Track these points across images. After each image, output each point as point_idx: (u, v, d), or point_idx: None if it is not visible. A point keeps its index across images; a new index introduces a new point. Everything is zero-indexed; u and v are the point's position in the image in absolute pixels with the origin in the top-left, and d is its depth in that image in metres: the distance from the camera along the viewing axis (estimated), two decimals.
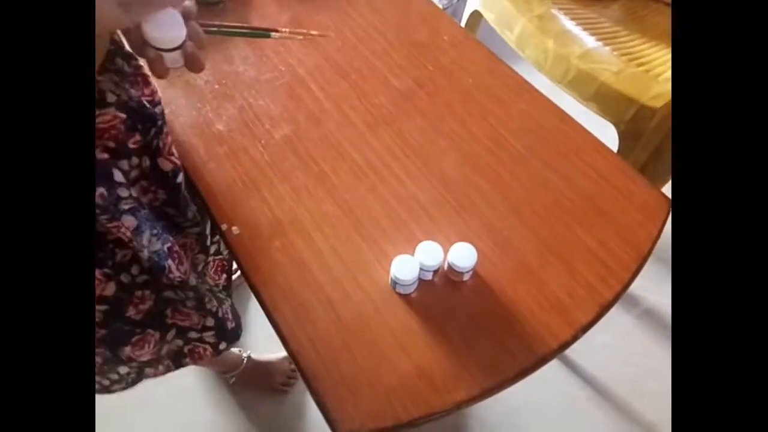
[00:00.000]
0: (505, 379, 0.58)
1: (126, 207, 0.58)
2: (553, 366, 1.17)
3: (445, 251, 0.64)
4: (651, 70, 0.97)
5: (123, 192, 0.58)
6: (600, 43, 1.01)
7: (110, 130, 0.54)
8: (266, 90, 0.84)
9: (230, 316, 0.83)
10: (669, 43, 1.04)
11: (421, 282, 0.64)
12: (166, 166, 0.64)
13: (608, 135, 0.91)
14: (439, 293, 0.64)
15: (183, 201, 0.70)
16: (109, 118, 0.54)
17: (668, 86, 0.94)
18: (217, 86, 0.85)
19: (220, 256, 0.90)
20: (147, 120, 0.60)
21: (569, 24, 1.05)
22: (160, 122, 0.63)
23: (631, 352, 1.17)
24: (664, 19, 1.13)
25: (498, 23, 1.14)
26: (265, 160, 0.76)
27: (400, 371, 0.58)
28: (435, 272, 0.64)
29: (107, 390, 0.82)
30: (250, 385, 1.16)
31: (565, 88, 1.04)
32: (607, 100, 0.97)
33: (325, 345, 0.60)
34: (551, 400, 1.12)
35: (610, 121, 1.00)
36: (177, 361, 0.83)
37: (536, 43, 1.05)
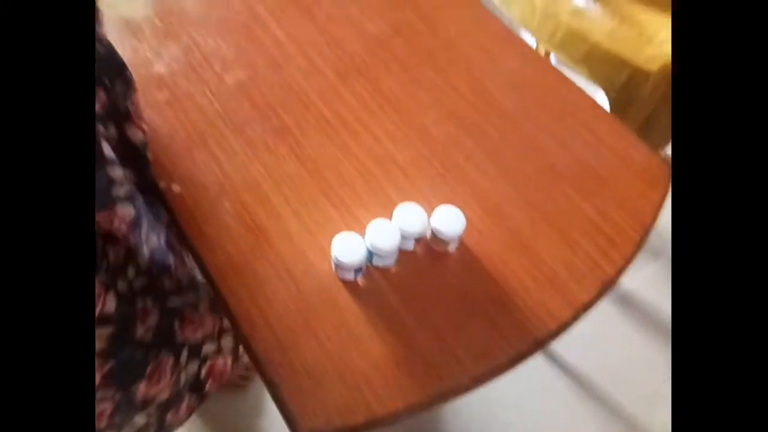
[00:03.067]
0: (497, 365, 0.49)
1: (122, 193, 0.44)
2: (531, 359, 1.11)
3: (428, 216, 0.54)
4: (644, 33, 0.90)
5: (116, 171, 0.43)
6: (591, 2, 0.93)
7: None
8: (217, 29, 0.71)
9: None
10: (662, 9, 0.97)
11: (400, 253, 0.55)
12: (137, 136, 0.50)
13: None
14: (421, 266, 0.55)
15: (152, 179, 0.55)
16: None
17: (663, 48, 0.87)
18: (158, 23, 0.71)
19: None
20: (113, 70, 0.46)
21: None
22: (128, 73, 0.48)
23: (610, 340, 1.13)
24: None
25: None
26: (215, 108, 0.64)
27: (374, 357, 0.49)
28: (417, 241, 0.54)
29: None
30: None
31: (552, 50, 0.96)
32: (598, 63, 0.89)
33: (284, 326, 0.49)
34: (529, 390, 1.06)
35: (601, 87, 0.92)
36: (198, 389, 0.62)
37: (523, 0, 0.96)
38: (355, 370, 0.48)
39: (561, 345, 1.11)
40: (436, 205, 0.56)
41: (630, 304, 1.18)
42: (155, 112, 0.63)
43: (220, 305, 0.50)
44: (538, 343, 0.51)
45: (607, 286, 0.55)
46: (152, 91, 0.65)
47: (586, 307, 0.54)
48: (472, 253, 0.56)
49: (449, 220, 0.53)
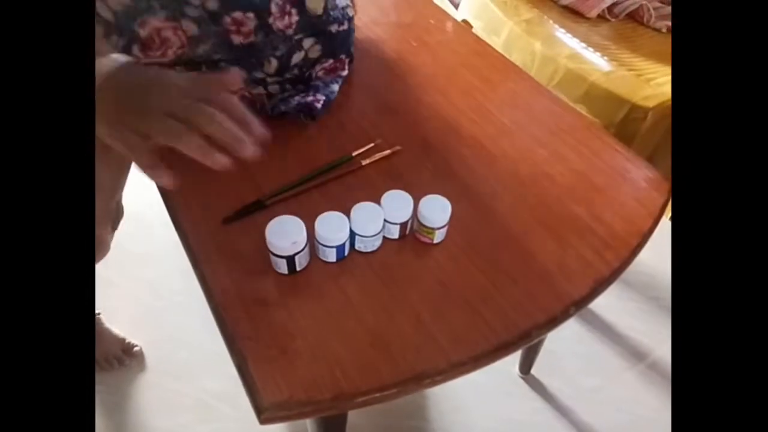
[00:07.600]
0: (479, 353, 0.46)
1: (193, 14, 0.54)
2: (542, 411, 1.03)
3: (415, 206, 0.54)
4: (642, 75, 0.93)
5: None
6: (589, 49, 0.98)
7: None
8: None
9: None
10: (659, 59, 1.01)
11: (384, 240, 0.54)
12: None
13: None
14: (405, 254, 0.54)
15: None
16: None
17: (661, 89, 0.89)
18: None
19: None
20: None
21: (558, 30, 1.02)
22: None
23: (625, 399, 1.04)
24: (652, 42, 1.11)
25: (485, 30, 1.11)
26: None
27: (349, 335, 0.46)
28: (402, 228, 0.53)
29: None
30: None
31: (552, 90, 0.99)
32: (597, 101, 0.92)
33: (257, 297, 0.48)
34: None
35: (601, 123, 0.94)
36: None
37: (523, 45, 1.01)
38: (327, 346, 0.45)
39: (574, 400, 1.03)
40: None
41: (657, 372, 1.10)
42: None
43: (194, 268, 0.50)
44: (524, 334, 0.48)
45: (600, 284, 0.52)
46: None
47: (577, 303, 0.51)
48: (458, 246, 0.55)
49: (435, 208, 0.52)
